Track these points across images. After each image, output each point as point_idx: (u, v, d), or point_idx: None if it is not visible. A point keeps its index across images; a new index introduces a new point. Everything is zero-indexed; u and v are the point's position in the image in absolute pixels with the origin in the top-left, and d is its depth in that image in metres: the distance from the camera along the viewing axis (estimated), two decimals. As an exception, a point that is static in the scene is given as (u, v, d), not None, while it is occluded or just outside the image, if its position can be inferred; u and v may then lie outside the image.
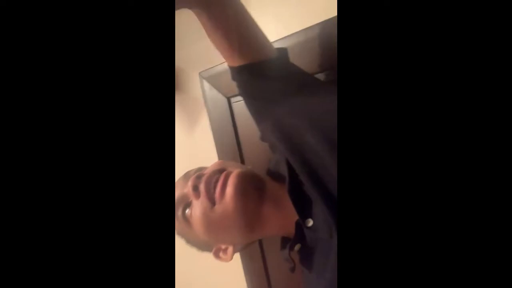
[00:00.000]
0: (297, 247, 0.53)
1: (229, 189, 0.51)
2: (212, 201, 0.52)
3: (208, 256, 0.65)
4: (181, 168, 0.71)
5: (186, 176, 0.58)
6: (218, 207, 0.52)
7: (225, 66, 0.76)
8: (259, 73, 0.56)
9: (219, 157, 0.84)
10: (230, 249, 0.60)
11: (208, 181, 0.52)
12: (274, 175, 0.60)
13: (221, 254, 0.61)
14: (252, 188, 0.53)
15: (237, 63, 0.56)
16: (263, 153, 0.76)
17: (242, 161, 0.82)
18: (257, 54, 0.55)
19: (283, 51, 0.60)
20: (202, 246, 0.62)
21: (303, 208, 0.50)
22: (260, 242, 0.87)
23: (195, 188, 0.53)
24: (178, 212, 0.55)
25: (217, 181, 0.52)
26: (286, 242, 0.57)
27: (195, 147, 0.92)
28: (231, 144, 0.81)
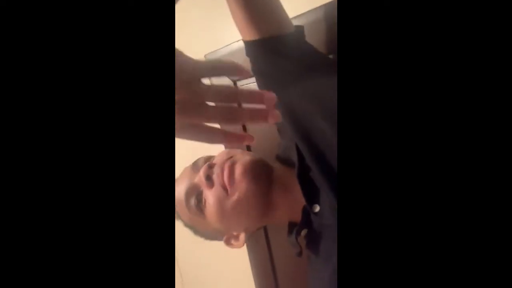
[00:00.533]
0: (303, 232, 0.53)
1: (238, 172, 0.51)
2: (226, 189, 0.52)
3: (213, 244, 0.64)
4: (185, 153, 0.70)
5: (195, 166, 0.58)
6: (231, 194, 0.52)
7: (231, 48, 0.74)
8: (274, 49, 0.55)
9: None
10: (242, 235, 0.61)
11: (221, 170, 0.52)
12: (283, 160, 0.60)
13: (233, 241, 0.62)
14: (261, 173, 0.53)
15: (254, 37, 0.55)
16: (269, 139, 0.75)
17: (248, 147, 0.80)
18: (275, 29, 0.54)
19: (299, 29, 0.58)
20: (213, 235, 0.62)
21: (311, 193, 0.50)
22: (265, 229, 0.86)
23: (208, 178, 0.53)
24: (191, 202, 0.55)
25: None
26: (293, 227, 0.57)
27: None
28: (236, 129, 0.80)
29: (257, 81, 0.61)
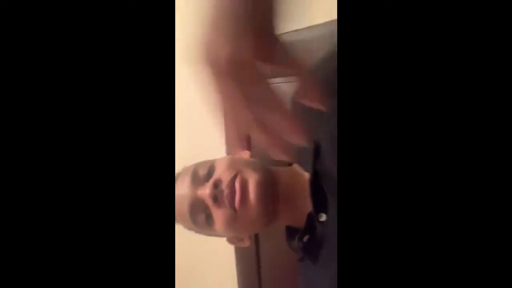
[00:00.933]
0: (305, 238, 0.53)
1: (251, 197, 0.51)
2: (235, 210, 0.52)
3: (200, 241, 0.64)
4: (187, 145, 0.70)
5: (196, 178, 0.56)
6: (242, 215, 0.52)
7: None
8: None
9: (226, 138, 0.82)
10: (247, 239, 0.62)
11: (231, 192, 0.51)
12: (290, 162, 0.60)
13: (236, 240, 0.63)
14: (271, 190, 0.53)
15: None
16: None
17: (249, 145, 0.79)
18: None
19: None
20: (215, 236, 0.61)
21: (319, 202, 0.50)
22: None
23: (216, 199, 0.52)
24: (198, 219, 0.55)
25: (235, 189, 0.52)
26: (292, 231, 0.57)
27: (203, 124, 0.91)
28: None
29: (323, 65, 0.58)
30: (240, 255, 0.92)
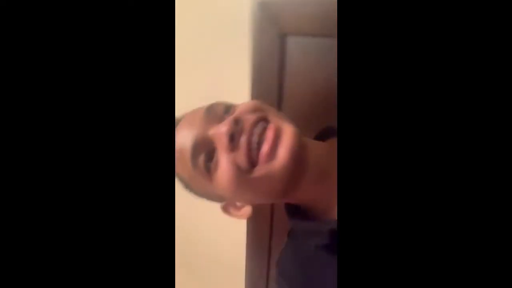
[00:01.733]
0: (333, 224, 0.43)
1: (283, 153, 0.40)
2: (251, 161, 0.41)
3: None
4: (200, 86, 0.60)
5: (211, 112, 0.45)
6: (259, 169, 0.41)
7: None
8: None
9: (253, 94, 0.71)
10: (247, 208, 0.50)
11: (251, 134, 0.41)
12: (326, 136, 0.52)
13: (232, 210, 0.51)
14: (302, 154, 0.41)
15: None
16: (306, 104, 0.66)
17: (279, 107, 0.70)
18: None
19: None
20: (210, 197, 0.50)
21: None
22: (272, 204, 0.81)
23: (232, 139, 0.40)
24: (199, 159, 0.43)
25: (262, 135, 0.41)
26: (292, 209, 0.50)
27: (224, 71, 0.79)
28: (271, 84, 0.69)
29: None
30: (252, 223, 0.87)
